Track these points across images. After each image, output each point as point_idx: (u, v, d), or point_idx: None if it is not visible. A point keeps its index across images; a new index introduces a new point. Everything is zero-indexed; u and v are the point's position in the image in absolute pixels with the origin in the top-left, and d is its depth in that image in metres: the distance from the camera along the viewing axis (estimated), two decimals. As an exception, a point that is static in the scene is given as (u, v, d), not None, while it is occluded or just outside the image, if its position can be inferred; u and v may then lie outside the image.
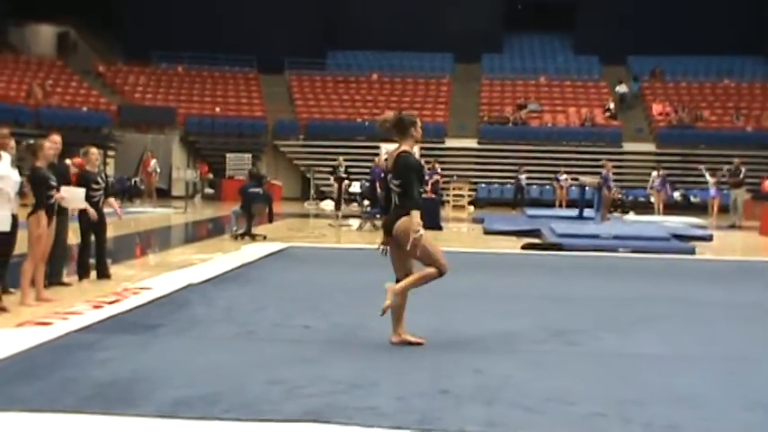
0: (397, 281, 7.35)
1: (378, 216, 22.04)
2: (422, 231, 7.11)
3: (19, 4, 39.72)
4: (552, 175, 34.38)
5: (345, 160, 28.60)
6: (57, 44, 43.58)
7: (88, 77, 39.63)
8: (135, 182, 34.02)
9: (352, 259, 14.91)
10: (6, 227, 8.83)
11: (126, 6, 42.18)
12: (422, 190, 7.50)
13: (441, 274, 7.30)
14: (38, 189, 9.24)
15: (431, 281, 7.35)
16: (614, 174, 24.92)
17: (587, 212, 23.99)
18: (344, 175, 28.08)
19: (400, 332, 7.38)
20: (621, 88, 40.30)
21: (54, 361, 6.56)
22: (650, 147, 36.80)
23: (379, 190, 22.54)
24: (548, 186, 35.04)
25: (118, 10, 42.25)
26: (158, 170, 32.86)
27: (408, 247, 7.15)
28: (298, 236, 19.20)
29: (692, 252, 17.01)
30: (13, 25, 41.56)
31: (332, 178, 28.71)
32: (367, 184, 26.76)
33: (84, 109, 36.16)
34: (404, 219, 7.18)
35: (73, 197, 10.60)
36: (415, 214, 7.13)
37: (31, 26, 43.20)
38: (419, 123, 7.52)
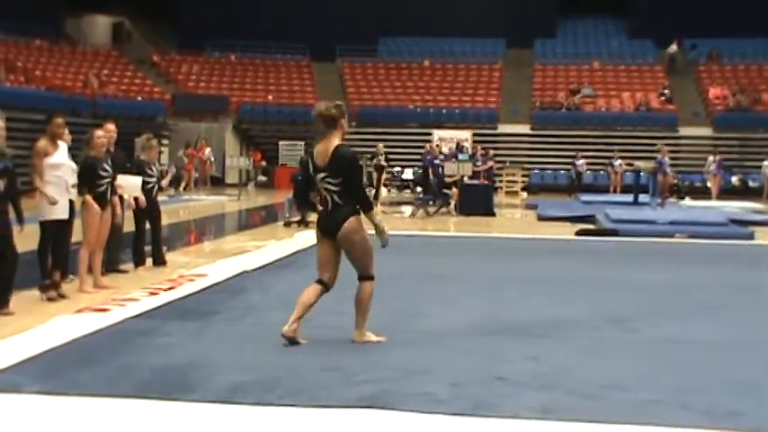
0: (320, 282, 6.94)
1: (431, 203, 22.03)
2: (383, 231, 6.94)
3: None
4: (606, 161, 34.03)
5: (397, 147, 28.43)
6: (112, 34, 44.05)
7: (143, 67, 40.00)
8: (177, 168, 34.20)
9: (405, 246, 14.86)
10: (64, 214, 8.97)
11: (179, -4, 42.50)
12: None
13: (372, 280, 7.01)
14: (88, 177, 9.34)
15: (371, 295, 7.01)
16: (670, 158, 24.59)
17: (642, 198, 23.71)
18: (384, 164, 27.24)
19: (296, 328, 6.84)
20: (672, 48, 39.64)
21: (112, 347, 6.64)
22: (707, 131, 36.23)
23: (431, 176, 22.53)
24: (602, 172, 34.68)
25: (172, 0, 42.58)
26: (212, 158, 33.07)
27: (355, 251, 6.87)
28: (351, 223, 19.20)
29: (751, 237, 16.74)
30: (69, 16, 42.07)
31: (371, 166, 27.58)
32: (419, 170, 26.71)
33: (139, 98, 36.52)
34: (351, 219, 6.76)
35: (129, 185, 10.72)
36: (373, 214, 6.89)
37: (87, 17, 43.69)
38: (345, 114, 7.01)
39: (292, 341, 6.70)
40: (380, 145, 27.91)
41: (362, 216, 6.87)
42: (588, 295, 9.56)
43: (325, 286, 6.97)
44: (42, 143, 8.92)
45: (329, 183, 6.76)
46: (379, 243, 7.07)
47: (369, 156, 28.76)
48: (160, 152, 26.69)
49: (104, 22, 44.27)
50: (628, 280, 10.91)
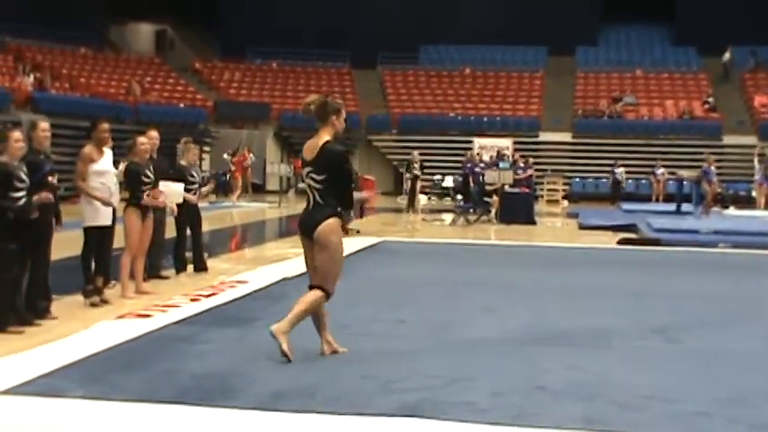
0: (311, 287, 6.58)
1: (471, 211, 21.98)
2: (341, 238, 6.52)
3: (119, 3, 40.63)
4: (648, 169, 33.74)
5: (438, 155, 28.22)
6: (155, 42, 44.49)
7: (185, 74, 40.34)
8: (227, 175, 34.44)
9: (445, 254, 14.85)
10: (108, 221, 9.04)
11: (221, 3, 42.77)
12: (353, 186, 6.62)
13: (328, 297, 6.55)
14: (131, 184, 9.40)
15: (317, 307, 6.58)
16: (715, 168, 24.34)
17: (685, 207, 23.48)
18: (418, 172, 26.34)
19: (329, 340, 6.73)
20: (726, 57, 39.21)
21: (154, 353, 6.67)
22: (752, 139, 35.75)
23: (471, 184, 22.48)
24: (644, 180, 34.40)
25: (214, 7, 42.88)
26: (254, 159, 33.13)
27: (326, 254, 6.44)
28: (391, 230, 19.23)
29: (797, 248, 16.49)
30: (113, 24, 42.55)
31: (405, 174, 26.94)
32: (460, 178, 26.63)
33: (181, 105, 36.82)
34: (330, 221, 6.41)
35: (171, 192, 10.77)
36: (350, 216, 6.54)
37: (131, 24, 44.18)
38: (343, 113, 6.75)
39: (335, 352, 6.66)
40: (415, 153, 27.23)
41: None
42: (630, 305, 9.46)
43: (327, 293, 6.57)
44: (88, 149, 9.00)
45: (313, 179, 6.48)
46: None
47: (404, 163, 28.54)
48: (202, 158, 26.96)
49: (147, 29, 44.73)
50: (670, 290, 10.79)
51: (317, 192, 6.47)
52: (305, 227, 6.53)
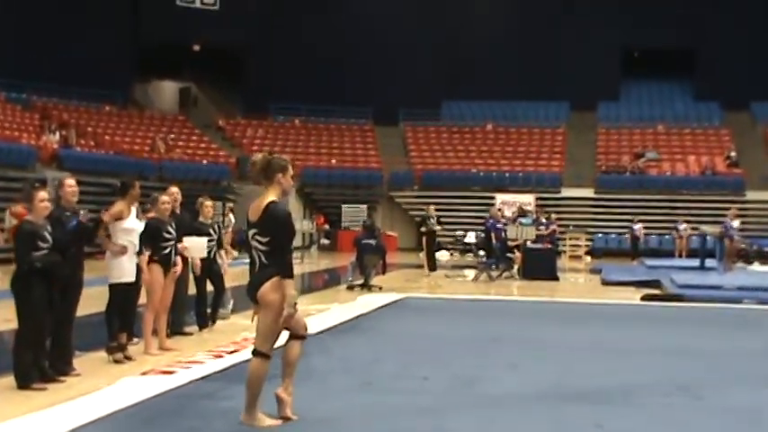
0: (255, 352, 6.28)
1: (493, 266, 21.93)
2: (297, 306, 6.19)
3: (144, 62, 41.20)
4: (671, 225, 33.64)
5: (460, 210, 27.94)
6: (179, 99, 44.98)
7: (208, 131, 40.71)
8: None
9: (468, 310, 14.81)
10: (132, 277, 9.09)
11: (245, 61, 43.28)
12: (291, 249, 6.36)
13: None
14: (152, 240, 9.46)
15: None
16: (738, 223, 24.23)
17: (709, 262, 23.35)
18: (436, 227, 23.82)
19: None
20: None
21: (177, 409, 6.67)
22: (776, 195, 35.69)
23: (494, 240, 22.44)
24: (667, 236, 34.28)
25: (237, 65, 43.39)
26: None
27: (268, 313, 6.16)
28: (413, 286, 19.20)
29: (823, 303, 16.34)
30: (138, 82, 43.11)
31: (422, 230, 24.55)
32: (482, 234, 26.57)
33: (205, 162, 37.09)
34: (275, 280, 6.11)
35: (194, 247, 10.85)
36: (290, 284, 6.10)
37: (155, 82, 44.71)
38: (290, 171, 6.42)
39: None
40: (431, 207, 24.58)
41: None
42: (655, 361, 9.39)
43: (265, 356, 6.29)
44: (119, 207, 9.09)
45: (258, 241, 6.19)
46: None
47: (418, 219, 27.56)
48: (224, 214, 27.10)
49: (172, 87, 45.24)
50: (695, 347, 10.70)
51: (263, 254, 6.19)
52: (249, 289, 6.26)
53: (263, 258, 6.19)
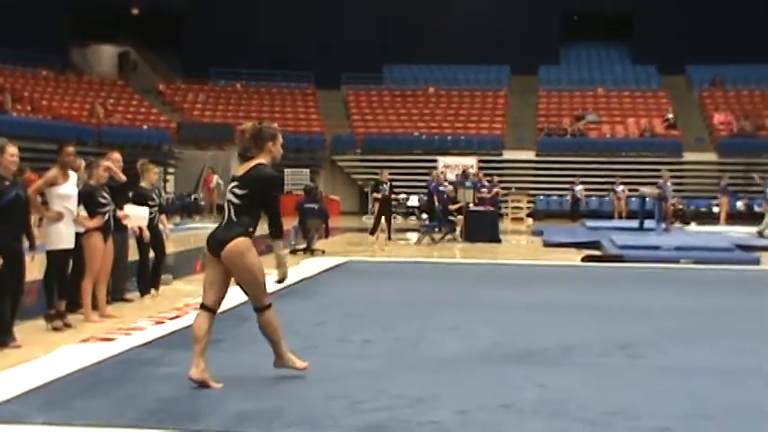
0: (203, 306, 6.41)
1: (436, 229, 22.02)
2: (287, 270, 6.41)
3: (81, 25, 40.46)
4: (611, 187, 34.07)
5: (402, 174, 27.88)
6: (118, 64, 44.31)
7: (148, 96, 40.21)
8: (195, 198, 34.38)
9: (411, 273, 14.88)
10: (71, 244, 8.97)
11: (184, 26, 42.73)
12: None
13: (269, 308, 6.45)
14: (88, 207, 9.32)
15: (276, 321, 6.49)
16: (675, 184, 24.57)
17: (648, 223, 23.69)
18: (387, 193, 22.55)
19: (202, 366, 6.33)
20: None
21: (117, 376, 6.62)
22: (711, 156, 36.28)
23: (436, 203, 22.51)
24: (607, 198, 34.71)
25: (177, 29, 42.81)
26: (221, 185, 33.04)
27: (242, 278, 6.33)
28: (356, 250, 19.22)
29: (757, 262, 16.70)
30: (75, 46, 42.34)
31: (373, 194, 24.10)
32: (424, 197, 26.63)
33: (145, 127, 36.68)
34: (238, 240, 6.21)
35: (135, 215, 10.74)
36: (279, 245, 6.33)
37: (93, 47, 43.98)
38: (280, 139, 6.49)
39: (202, 383, 6.22)
40: (385, 172, 23.37)
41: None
42: (594, 321, 9.52)
43: (210, 310, 6.42)
44: (53, 172, 8.91)
45: (234, 193, 6.27)
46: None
47: (372, 184, 27.50)
48: (165, 180, 26.86)
49: (110, 51, 44.55)
50: (633, 306, 10.87)
51: (234, 207, 6.27)
52: (212, 242, 6.30)
53: (232, 213, 6.30)
